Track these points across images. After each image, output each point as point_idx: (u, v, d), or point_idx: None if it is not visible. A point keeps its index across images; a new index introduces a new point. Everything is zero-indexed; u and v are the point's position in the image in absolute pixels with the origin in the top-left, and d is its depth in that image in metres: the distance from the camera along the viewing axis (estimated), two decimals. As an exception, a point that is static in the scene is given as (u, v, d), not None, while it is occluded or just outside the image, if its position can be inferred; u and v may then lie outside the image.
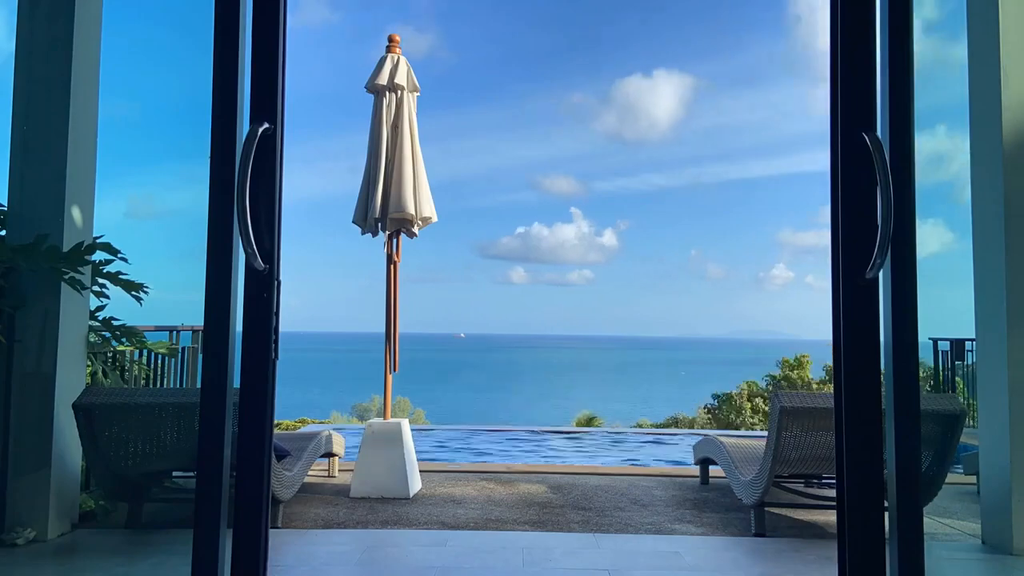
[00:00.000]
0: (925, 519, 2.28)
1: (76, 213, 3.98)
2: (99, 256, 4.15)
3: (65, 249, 3.85)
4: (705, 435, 6.88)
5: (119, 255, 4.21)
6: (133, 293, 4.32)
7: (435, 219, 5.63)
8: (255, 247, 2.27)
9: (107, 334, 4.50)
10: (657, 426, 22.38)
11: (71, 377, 3.97)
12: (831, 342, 2.41)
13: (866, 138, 2.28)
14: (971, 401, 6.18)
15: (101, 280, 4.28)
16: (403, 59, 5.56)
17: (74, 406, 3.85)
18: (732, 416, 24.21)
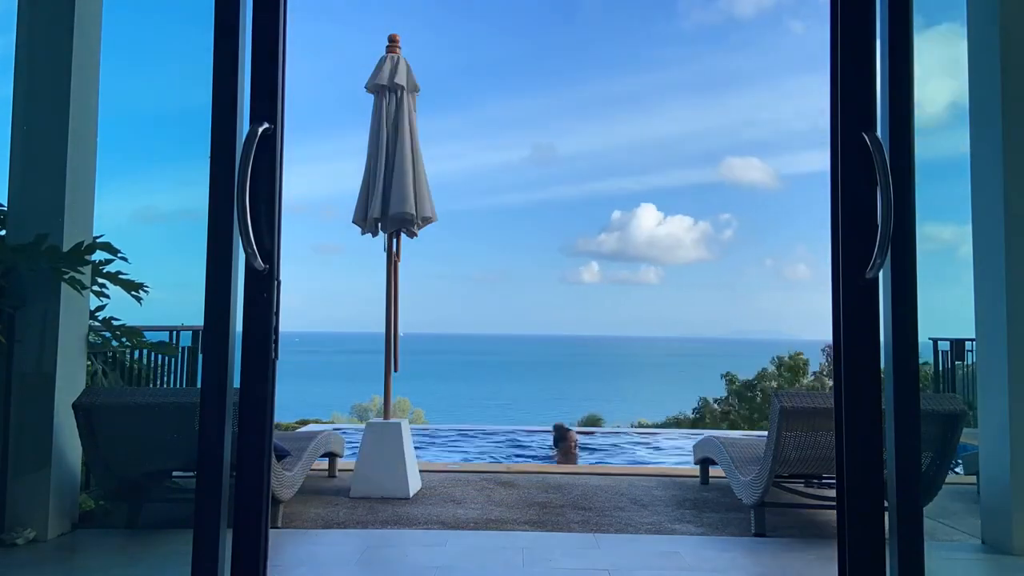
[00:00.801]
0: (925, 519, 2.28)
1: (76, 213, 3.98)
2: (99, 256, 4.15)
3: (65, 249, 3.85)
4: (705, 435, 6.88)
5: (119, 255, 4.21)
6: (133, 293, 4.32)
7: (435, 219, 5.63)
8: (255, 247, 2.28)
9: (107, 334, 4.50)
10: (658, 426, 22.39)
11: (71, 377, 3.97)
12: (831, 342, 2.41)
13: (866, 138, 2.28)
14: (971, 401, 6.18)
15: (101, 280, 4.27)
16: (403, 59, 5.56)
17: (74, 406, 3.85)
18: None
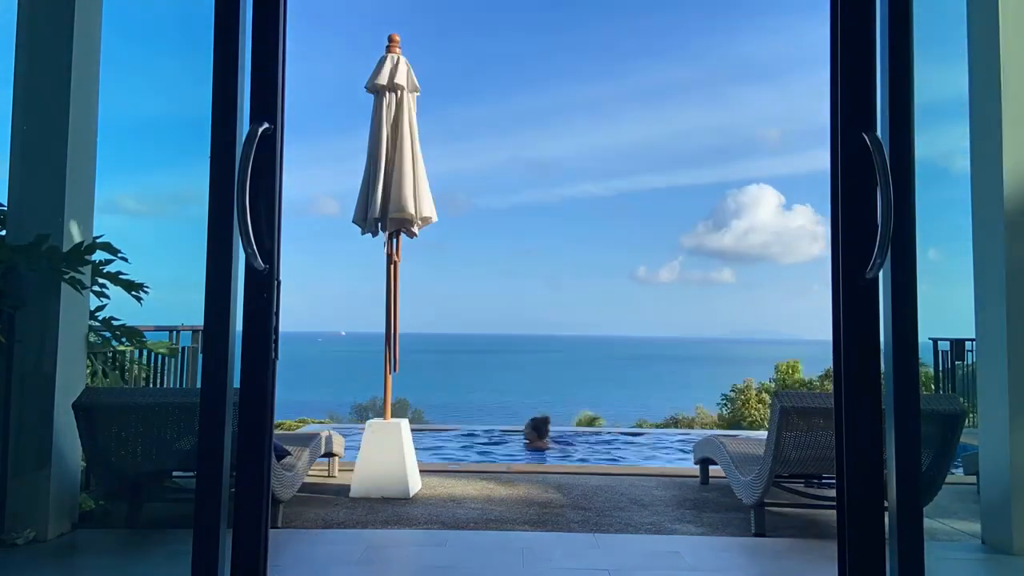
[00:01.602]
0: (925, 519, 2.28)
1: (76, 213, 3.98)
2: (99, 256, 4.15)
3: (65, 249, 3.85)
4: (705, 435, 6.88)
5: (119, 255, 4.21)
6: (133, 293, 4.32)
7: (435, 219, 5.63)
8: (255, 247, 2.28)
9: (107, 334, 4.50)
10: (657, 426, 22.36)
11: (71, 377, 3.97)
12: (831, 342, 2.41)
13: (866, 138, 2.28)
14: (971, 401, 6.18)
15: (101, 280, 4.28)
16: (403, 59, 5.56)
17: (74, 406, 3.85)
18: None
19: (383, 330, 5.53)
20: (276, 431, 3.17)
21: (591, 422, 23.72)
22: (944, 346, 6.78)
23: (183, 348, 5.42)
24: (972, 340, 5.96)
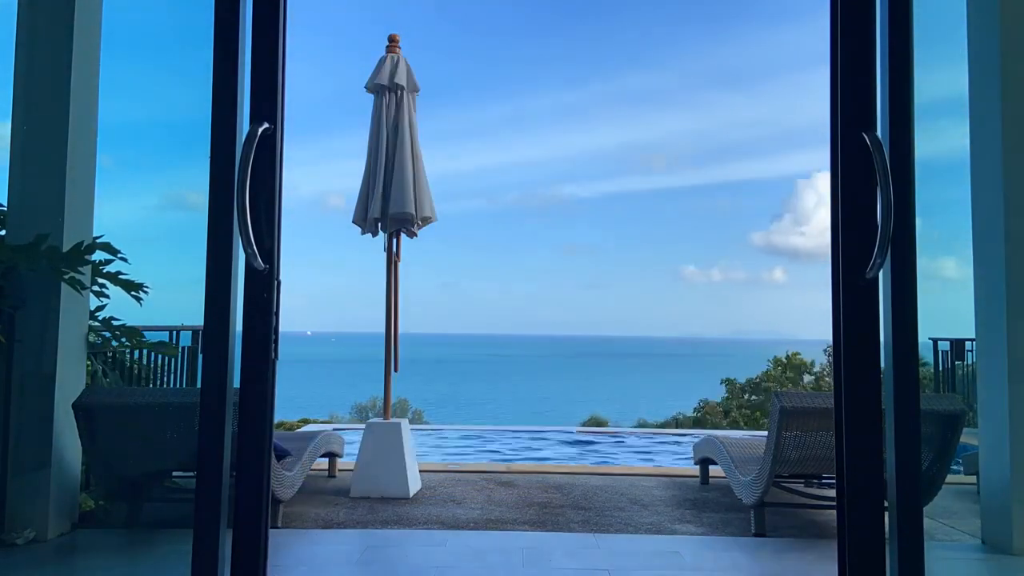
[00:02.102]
0: (925, 519, 2.28)
1: (76, 213, 3.98)
2: (99, 256, 4.14)
3: (65, 249, 3.85)
4: (705, 435, 6.88)
5: (119, 255, 4.20)
6: (133, 293, 4.32)
7: (435, 219, 5.63)
8: (255, 247, 2.28)
9: (107, 334, 4.49)
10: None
11: (71, 377, 3.97)
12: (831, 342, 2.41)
13: (866, 138, 2.28)
14: (971, 401, 6.17)
15: (101, 280, 4.27)
16: (403, 59, 5.56)
17: (74, 406, 3.85)
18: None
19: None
20: (276, 431, 3.17)
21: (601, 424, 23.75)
22: (944, 346, 6.77)
23: (183, 348, 5.41)
24: (972, 340, 5.95)
